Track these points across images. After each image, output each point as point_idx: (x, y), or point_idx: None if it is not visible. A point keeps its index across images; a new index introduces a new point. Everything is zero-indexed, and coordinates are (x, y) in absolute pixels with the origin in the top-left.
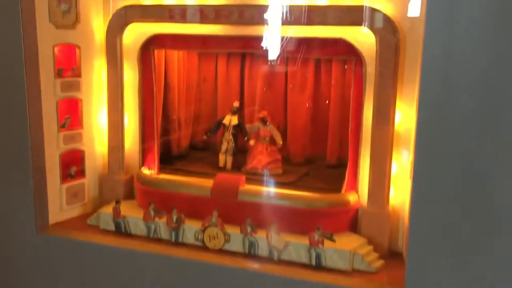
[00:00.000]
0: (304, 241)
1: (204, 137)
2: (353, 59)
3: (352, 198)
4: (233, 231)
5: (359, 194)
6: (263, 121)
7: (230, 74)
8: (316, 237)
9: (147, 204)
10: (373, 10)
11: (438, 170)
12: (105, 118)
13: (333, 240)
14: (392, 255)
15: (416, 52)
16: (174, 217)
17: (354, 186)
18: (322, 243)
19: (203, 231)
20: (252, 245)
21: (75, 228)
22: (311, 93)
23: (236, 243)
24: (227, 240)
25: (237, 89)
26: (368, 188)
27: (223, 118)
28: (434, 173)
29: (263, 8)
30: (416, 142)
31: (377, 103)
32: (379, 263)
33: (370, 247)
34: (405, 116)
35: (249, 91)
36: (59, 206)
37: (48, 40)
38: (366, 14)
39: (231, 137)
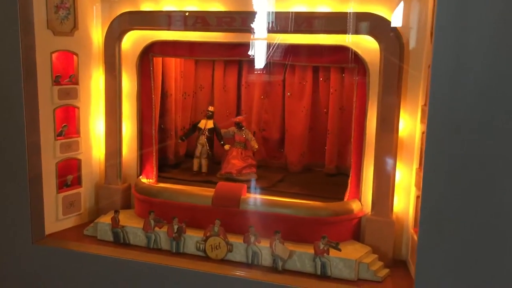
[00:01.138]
0: (309, 250)
1: (179, 141)
2: (356, 67)
3: (355, 206)
4: (236, 240)
5: (362, 202)
6: (238, 126)
7: (227, 82)
8: (321, 246)
9: (146, 213)
10: (377, 18)
11: (447, 182)
12: (102, 126)
13: (338, 249)
14: (396, 264)
15: (418, 60)
16: (175, 227)
17: (357, 194)
18: (328, 252)
19: (205, 240)
20: (255, 254)
21: (72, 238)
22: (309, 100)
23: (239, 253)
24: (229, 250)
25: (234, 97)
26: (372, 196)
27: (198, 122)
28: (443, 185)
29: (265, 16)
30: (426, 153)
31: (382, 111)
32: (385, 272)
33: (375, 256)
34: (408, 124)
35: (247, 99)
36: (55, 216)
37: (45, 47)
38: (370, 22)
39: (205, 140)
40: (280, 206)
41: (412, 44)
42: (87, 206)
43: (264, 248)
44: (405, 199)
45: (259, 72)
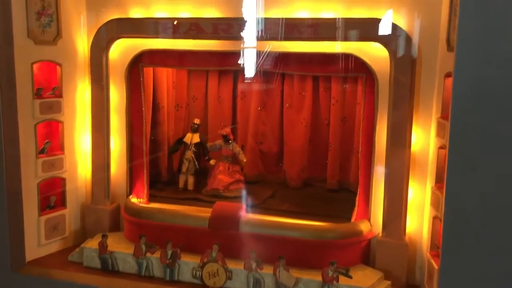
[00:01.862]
0: (316, 277)
1: (170, 154)
2: (363, 76)
3: (364, 227)
4: (236, 266)
5: (371, 223)
6: (226, 139)
7: (222, 93)
8: (330, 273)
9: (137, 237)
10: (387, 24)
11: (472, 202)
12: (88, 142)
13: (349, 277)
14: None
15: (431, 69)
16: (169, 252)
17: (365, 214)
18: (337, 280)
19: (202, 267)
20: (257, 282)
21: (55, 265)
22: (309, 112)
23: (239, 281)
24: (229, 277)
25: (229, 108)
26: (383, 216)
27: (183, 136)
28: (468, 206)
29: (264, 22)
30: (448, 171)
31: (393, 124)
32: None
33: (388, 283)
34: (420, 138)
35: (243, 110)
36: (37, 241)
37: (26, 57)
38: (379, 28)
39: (192, 156)
40: (283, 228)
41: (424, 51)
42: (72, 229)
43: (267, 275)
44: (418, 219)
45: (256, 82)
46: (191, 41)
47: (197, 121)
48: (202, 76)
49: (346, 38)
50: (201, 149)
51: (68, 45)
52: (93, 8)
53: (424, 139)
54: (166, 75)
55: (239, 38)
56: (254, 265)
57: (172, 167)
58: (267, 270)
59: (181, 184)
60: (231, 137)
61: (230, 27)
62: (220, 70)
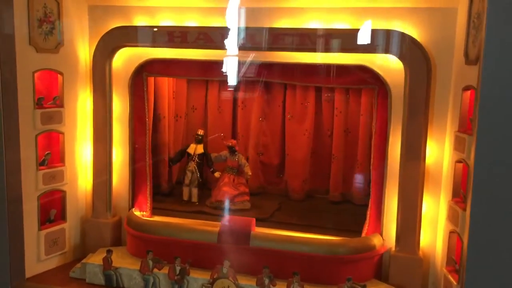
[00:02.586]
0: None
1: (171, 165)
2: (376, 88)
3: (377, 241)
4: (247, 282)
5: (383, 237)
6: (231, 150)
7: (222, 103)
8: None
9: (141, 251)
10: (401, 35)
11: (497, 219)
12: (89, 153)
13: None
14: None
15: (445, 82)
16: (177, 268)
17: (377, 228)
18: None
19: (212, 283)
20: None
21: (56, 282)
22: (312, 123)
23: None
24: None
25: (229, 118)
26: (397, 230)
27: (187, 146)
28: (492, 222)
29: (275, 32)
30: (474, 188)
31: (407, 137)
32: None
33: None
34: (434, 151)
35: (243, 121)
36: (36, 256)
37: (27, 65)
38: (394, 40)
39: (195, 167)
40: (295, 243)
41: (439, 64)
42: (72, 243)
43: None
44: (431, 233)
45: (258, 92)
46: (198, 51)
47: (201, 131)
48: (202, 86)
49: (359, 50)
50: (205, 160)
51: (69, 53)
52: (96, 15)
53: (438, 152)
54: (167, 84)
55: (247, 49)
56: (267, 281)
57: (171, 179)
58: (280, 286)
59: (185, 197)
60: (237, 148)
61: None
62: (220, 80)
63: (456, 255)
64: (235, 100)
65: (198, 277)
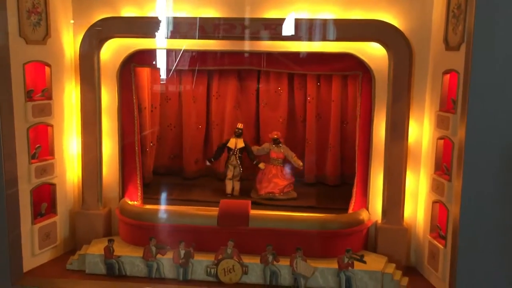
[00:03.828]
0: (330, 265)
1: (207, 163)
2: (360, 74)
3: (364, 216)
4: (250, 261)
5: (369, 211)
6: (276, 142)
7: (196, 92)
8: (346, 260)
9: (135, 239)
10: (385, 24)
11: (489, 188)
12: (75, 145)
13: (363, 262)
14: (409, 271)
15: (423, 67)
16: (182, 252)
17: (363, 204)
18: (352, 266)
19: (217, 264)
20: (274, 274)
21: (55, 275)
22: (285, 109)
23: (255, 275)
24: (245, 272)
25: (203, 108)
26: (383, 205)
27: (227, 141)
28: (485, 192)
29: (268, 22)
30: (466, 160)
31: (392, 118)
32: (405, 280)
33: (393, 265)
34: (415, 130)
35: (217, 109)
36: (31, 251)
37: (18, 57)
38: (377, 29)
39: (238, 161)
40: (291, 221)
41: (417, 50)
42: (62, 236)
43: (283, 267)
44: (412, 205)
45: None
46: (188, 41)
47: (240, 125)
48: (176, 76)
49: (344, 39)
50: (245, 153)
51: (57, 44)
52: (82, 6)
53: (418, 131)
54: (146, 75)
55: (241, 38)
56: (270, 258)
57: (149, 170)
58: (282, 262)
59: (228, 190)
60: (282, 140)
61: (233, 28)
62: (194, 70)
63: (439, 222)
64: (209, 89)
65: (202, 259)
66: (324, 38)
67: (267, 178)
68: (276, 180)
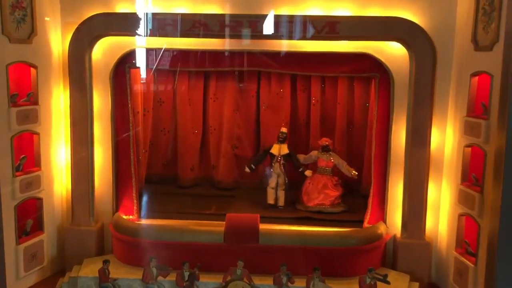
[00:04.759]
0: (349, 286)
1: (247, 169)
2: (377, 76)
3: (383, 229)
4: (261, 282)
5: (387, 225)
6: (325, 149)
7: (192, 95)
8: (368, 280)
9: (131, 258)
10: (406, 22)
11: None
12: (63, 155)
13: (387, 282)
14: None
15: (447, 69)
16: (186, 274)
17: (380, 216)
18: (375, 287)
19: (225, 287)
20: None
21: None
22: (288, 113)
23: None
24: None
25: (200, 111)
26: (403, 217)
27: (270, 147)
28: None
29: (277, 19)
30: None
31: (413, 124)
32: None
33: (416, 284)
34: (436, 137)
35: (215, 113)
36: (15, 274)
37: (1, 57)
38: (398, 27)
39: (282, 169)
40: (305, 237)
41: (440, 51)
42: (50, 256)
43: None
44: (433, 217)
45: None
46: (189, 40)
47: (284, 129)
48: (170, 78)
49: (362, 37)
50: (289, 161)
51: (43, 43)
52: (71, 1)
53: (440, 138)
54: (139, 77)
55: (248, 37)
56: (285, 279)
57: (141, 179)
58: (298, 283)
59: (270, 200)
60: (331, 147)
61: (239, 25)
62: (189, 71)
63: (467, 237)
64: (205, 92)
65: (208, 281)
66: (338, 37)
67: (316, 188)
68: (327, 191)
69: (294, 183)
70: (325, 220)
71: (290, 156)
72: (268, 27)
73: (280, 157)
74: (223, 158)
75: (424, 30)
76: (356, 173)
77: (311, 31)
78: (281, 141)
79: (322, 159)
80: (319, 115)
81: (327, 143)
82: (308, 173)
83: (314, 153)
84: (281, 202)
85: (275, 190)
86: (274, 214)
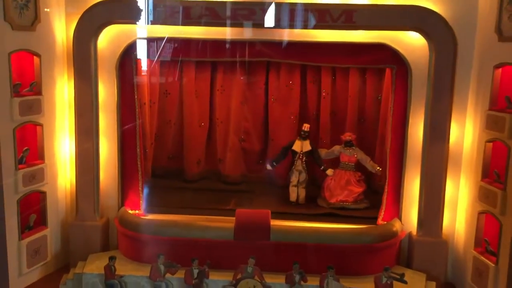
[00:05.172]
0: (364, 285)
1: (268, 167)
2: (394, 68)
3: (398, 227)
4: (273, 281)
5: (402, 221)
6: (348, 144)
7: (199, 86)
8: (384, 280)
9: (137, 254)
10: (425, 11)
11: None
12: (68, 147)
13: (404, 282)
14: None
15: (468, 59)
16: (195, 271)
17: (395, 213)
18: (391, 286)
19: (235, 285)
20: None
21: None
22: (297, 106)
23: None
24: None
25: (207, 103)
26: (419, 214)
27: (291, 144)
28: None
29: (291, 7)
30: None
31: (432, 118)
32: None
33: (433, 283)
34: (455, 131)
35: (222, 106)
36: (18, 270)
37: (3, 45)
38: (418, 16)
39: (304, 166)
40: (318, 234)
41: (462, 42)
42: (53, 251)
43: None
44: (450, 214)
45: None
46: (199, 28)
47: (306, 127)
48: (175, 68)
49: (378, 27)
50: (311, 157)
51: (47, 31)
52: None
53: (459, 132)
54: (146, 67)
55: (261, 26)
56: (297, 278)
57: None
58: (311, 282)
59: (292, 198)
60: (355, 142)
61: (253, 13)
62: (196, 62)
63: (486, 235)
64: (212, 83)
65: (218, 279)
66: (354, 27)
67: (339, 185)
68: (351, 187)
69: (312, 179)
70: (349, 217)
71: (311, 153)
72: (281, 16)
73: (302, 154)
74: (230, 151)
75: (445, 19)
76: (380, 169)
77: (326, 19)
78: (304, 138)
79: (344, 154)
80: (329, 108)
81: (350, 138)
82: (329, 172)
83: (336, 148)
84: (301, 199)
85: (296, 188)
86: (295, 210)
